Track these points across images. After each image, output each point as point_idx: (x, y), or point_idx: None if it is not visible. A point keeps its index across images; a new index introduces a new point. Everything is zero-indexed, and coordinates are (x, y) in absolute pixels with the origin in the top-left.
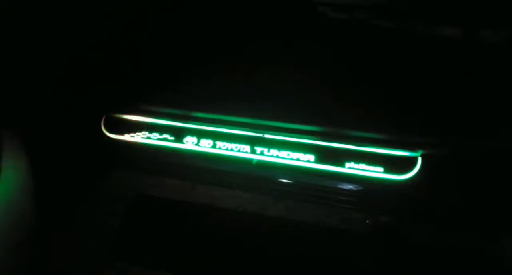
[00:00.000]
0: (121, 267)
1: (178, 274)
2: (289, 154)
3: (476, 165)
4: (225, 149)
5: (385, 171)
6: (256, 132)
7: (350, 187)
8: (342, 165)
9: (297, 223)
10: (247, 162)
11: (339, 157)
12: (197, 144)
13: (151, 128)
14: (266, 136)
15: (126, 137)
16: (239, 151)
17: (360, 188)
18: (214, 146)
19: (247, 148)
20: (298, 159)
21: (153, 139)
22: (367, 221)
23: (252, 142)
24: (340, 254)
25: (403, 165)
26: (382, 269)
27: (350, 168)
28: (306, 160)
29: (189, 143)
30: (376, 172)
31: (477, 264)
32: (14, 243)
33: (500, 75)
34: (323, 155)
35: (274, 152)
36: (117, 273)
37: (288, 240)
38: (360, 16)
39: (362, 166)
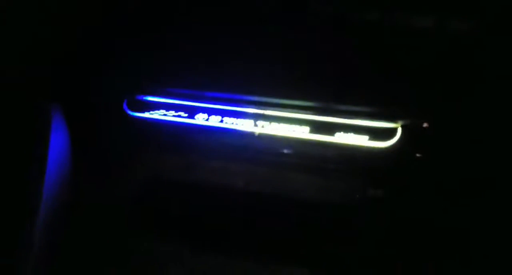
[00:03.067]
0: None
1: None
2: (287, 127)
3: (449, 132)
4: (231, 124)
5: (370, 139)
6: (258, 109)
7: (341, 153)
8: (333, 135)
9: (292, 197)
10: (251, 135)
11: (330, 128)
12: (207, 120)
13: (167, 107)
14: (267, 112)
15: (146, 115)
16: (244, 125)
17: (349, 154)
18: (222, 122)
19: (251, 122)
20: (294, 131)
21: (169, 116)
22: (357, 195)
23: (255, 117)
24: (332, 226)
25: (385, 134)
26: (371, 240)
27: (340, 137)
28: (301, 132)
29: (200, 119)
30: (362, 140)
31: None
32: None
33: (470, 53)
34: (316, 127)
35: (274, 125)
36: (134, 243)
37: (281, 214)
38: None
39: (350, 135)
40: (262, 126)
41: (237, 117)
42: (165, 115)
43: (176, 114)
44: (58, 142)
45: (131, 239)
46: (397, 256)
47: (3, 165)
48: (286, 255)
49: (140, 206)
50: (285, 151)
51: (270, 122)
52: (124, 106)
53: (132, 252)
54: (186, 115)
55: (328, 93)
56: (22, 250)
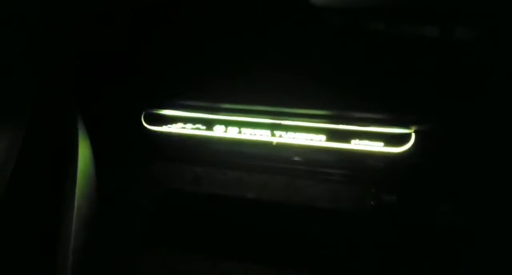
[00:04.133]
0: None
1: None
2: (303, 136)
3: (461, 137)
4: (249, 134)
5: (385, 145)
6: (275, 119)
7: (357, 160)
8: (349, 142)
9: (309, 205)
10: (268, 144)
11: (346, 136)
12: (225, 132)
13: (185, 120)
14: (284, 122)
15: (164, 129)
16: (261, 135)
17: (365, 160)
18: (240, 133)
19: (268, 132)
20: (311, 139)
21: (187, 129)
22: (372, 202)
23: (272, 127)
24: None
25: (400, 139)
26: (386, 245)
27: (356, 144)
28: (318, 140)
29: (218, 131)
30: (377, 146)
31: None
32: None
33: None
34: (332, 135)
35: (291, 134)
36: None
37: (299, 222)
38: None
39: (366, 142)
40: (280, 136)
41: (255, 128)
42: (183, 128)
43: (194, 127)
44: (84, 155)
45: (142, 251)
46: (412, 262)
47: (34, 179)
48: (302, 264)
49: (159, 218)
50: (303, 159)
51: (287, 132)
52: (142, 120)
53: (148, 263)
54: (204, 127)
55: (343, 101)
56: (59, 262)
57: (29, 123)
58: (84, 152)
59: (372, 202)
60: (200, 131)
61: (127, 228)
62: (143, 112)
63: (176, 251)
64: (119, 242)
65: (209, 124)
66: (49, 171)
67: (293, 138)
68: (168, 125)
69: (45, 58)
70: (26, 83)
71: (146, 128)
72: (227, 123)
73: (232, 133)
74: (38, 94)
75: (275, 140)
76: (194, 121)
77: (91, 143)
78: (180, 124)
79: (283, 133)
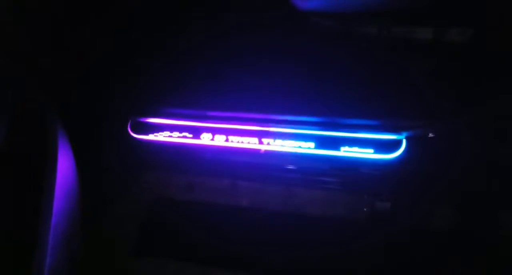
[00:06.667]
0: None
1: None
2: (292, 143)
3: (452, 143)
4: (236, 142)
5: (375, 152)
6: (263, 126)
7: (347, 167)
8: (338, 149)
9: (299, 213)
10: (256, 152)
11: (335, 143)
12: (212, 139)
13: (171, 128)
14: (272, 129)
15: (150, 137)
16: (249, 143)
17: (355, 167)
18: (227, 140)
19: (255, 140)
20: (300, 147)
21: (174, 138)
22: (364, 209)
23: (260, 134)
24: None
25: (390, 146)
26: (379, 252)
27: (345, 151)
28: (307, 147)
29: (205, 139)
30: (367, 153)
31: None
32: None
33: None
34: (321, 142)
35: (279, 142)
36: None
37: (288, 230)
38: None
39: (355, 149)
40: (268, 143)
41: (242, 135)
42: (170, 136)
43: (181, 135)
44: (65, 165)
45: (135, 261)
46: (405, 269)
47: (12, 189)
48: (296, 271)
49: (145, 228)
50: (291, 167)
51: (275, 139)
52: (128, 129)
53: (138, 272)
54: (191, 135)
55: (332, 107)
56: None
57: (5, 133)
58: (64, 164)
59: (365, 209)
60: (187, 139)
61: (117, 237)
62: (129, 121)
63: (167, 259)
64: (109, 251)
65: (195, 132)
66: (24, 185)
67: (282, 145)
68: (155, 134)
69: (24, 66)
70: (4, 93)
71: (132, 136)
72: (213, 131)
73: (219, 141)
74: (16, 104)
75: (263, 147)
76: (180, 129)
77: (76, 154)
78: (167, 132)
79: (271, 140)
